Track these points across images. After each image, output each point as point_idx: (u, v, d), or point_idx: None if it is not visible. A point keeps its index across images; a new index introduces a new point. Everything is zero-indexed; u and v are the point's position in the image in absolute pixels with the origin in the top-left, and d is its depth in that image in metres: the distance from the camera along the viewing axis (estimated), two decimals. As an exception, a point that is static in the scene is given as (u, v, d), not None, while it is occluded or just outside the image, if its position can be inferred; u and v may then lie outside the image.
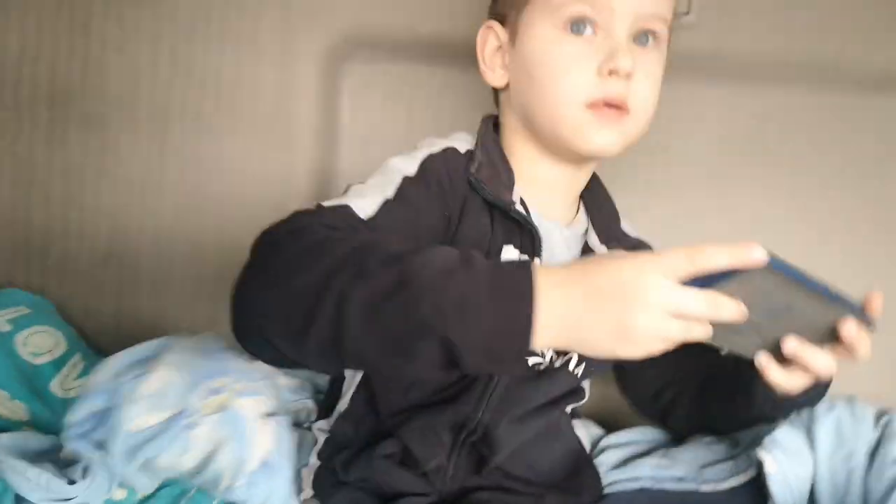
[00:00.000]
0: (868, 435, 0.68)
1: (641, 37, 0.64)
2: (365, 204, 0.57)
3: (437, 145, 0.67)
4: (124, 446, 0.61)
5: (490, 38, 0.71)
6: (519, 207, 0.66)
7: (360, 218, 0.56)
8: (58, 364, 0.84)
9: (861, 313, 0.54)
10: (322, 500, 0.68)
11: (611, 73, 0.62)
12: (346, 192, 0.62)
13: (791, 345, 0.55)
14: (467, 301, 0.46)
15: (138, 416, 0.61)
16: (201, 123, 0.99)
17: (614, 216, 0.78)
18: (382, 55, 0.98)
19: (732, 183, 0.96)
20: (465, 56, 0.97)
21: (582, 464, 0.73)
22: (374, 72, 0.99)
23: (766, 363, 0.57)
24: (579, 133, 0.64)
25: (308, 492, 0.69)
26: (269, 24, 0.97)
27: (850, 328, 0.54)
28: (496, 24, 0.70)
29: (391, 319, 0.46)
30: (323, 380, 0.87)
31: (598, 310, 0.47)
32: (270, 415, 0.70)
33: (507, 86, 0.70)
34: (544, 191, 0.71)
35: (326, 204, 0.58)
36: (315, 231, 0.52)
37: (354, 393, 0.70)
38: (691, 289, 0.48)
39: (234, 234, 0.99)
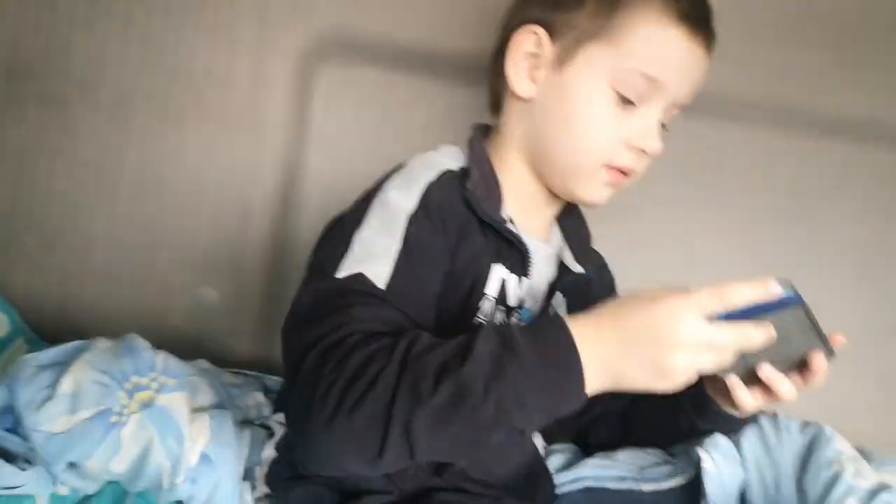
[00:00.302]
0: (794, 443, 0.71)
1: (666, 116, 0.67)
2: (379, 270, 0.56)
3: (431, 169, 0.64)
4: (47, 448, 0.59)
5: (528, 43, 0.67)
6: (510, 226, 0.67)
7: (379, 289, 0.55)
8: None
9: (829, 346, 0.58)
10: (278, 494, 0.66)
11: (637, 149, 0.65)
12: (345, 236, 0.59)
13: (767, 372, 0.59)
14: (525, 393, 0.49)
15: (57, 417, 0.59)
16: (167, 111, 0.97)
17: (587, 235, 0.80)
18: (359, 59, 0.98)
19: (688, 211, 1.00)
20: (441, 67, 0.99)
21: (539, 470, 0.74)
22: (350, 75, 0.99)
23: (736, 384, 0.60)
24: (587, 183, 0.68)
25: (263, 488, 0.68)
26: (247, 17, 0.97)
27: (821, 360, 0.59)
28: (543, 34, 0.66)
29: (458, 428, 0.49)
30: (271, 380, 0.86)
31: (636, 354, 0.51)
32: (205, 409, 0.69)
33: (531, 100, 0.68)
34: (528, 207, 0.71)
35: (341, 275, 0.56)
36: (353, 348, 0.51)
37: None
38: (722, 324, 0.52)
39: (191, 225, 0.97)
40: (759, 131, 1.00)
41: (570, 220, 0.78)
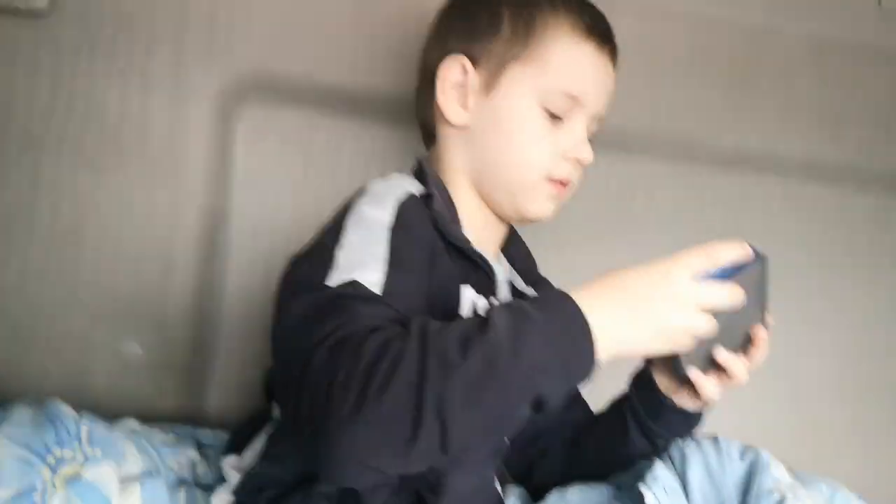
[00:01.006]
0: (735, 470, 0.74)
1: (589, 128, 0.73)
2: (371, 276, 0.55)
3: (397, 189, 0.65)
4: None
5: (455, 73, 0.71)
6: (474, 247, 0.69)
7: (374, 293, 0.54)
8: None
9: (765, 318, 0.65)
10: None
11: (572, 159, 0.70)
12: (324, 252, 0.57)
13: (724, 355, 0.64)
14: (546, 358, 0.50)
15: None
16: (80, 157, 0.93)
17: (532, 260, 0.83)
18: (280, 100, 0.98)
19: (605, 243, 1.05)
20: (362, 107, 1.00)
21: None
22: (271, 116, 0.98)
23: (698, 376, 0.64)
24: (533, 198, 0.71)
25: None
26: (162, 60, 0.94)
27: (763, 333, 0.65)
28: (467, 63, 0.70)
29: (492, 396, 0.48)
30: (204, 434, 0.84)
31: (638, 317, 0.54)
32: (135, 477, 0.67)
33: (465, 126, 0.71)
34: (481, 231, 0.73)
35: (333, 284, 0.54)
36: (366, 337, 0.48)
37: (276, 433, 0.67)
38: (713, 282, 0.56)
39: (110, 276, 0.94)
40: (666, 165, 1.07)
41: (514, 246, 0.81)
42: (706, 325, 0.56)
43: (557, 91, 0.68)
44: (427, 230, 0.65)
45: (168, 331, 0.93)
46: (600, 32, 0.71)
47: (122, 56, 0.93)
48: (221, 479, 0.69)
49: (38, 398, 0.70)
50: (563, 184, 0.71)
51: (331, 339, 0.49)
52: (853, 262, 1.10)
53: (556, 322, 0.51)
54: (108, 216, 0.93)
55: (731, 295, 0.57)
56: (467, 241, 0.68)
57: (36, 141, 0.91)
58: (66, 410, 0.66)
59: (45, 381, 0.88)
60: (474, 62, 0.70)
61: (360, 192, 0.65)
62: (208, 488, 0.73)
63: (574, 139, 0.70)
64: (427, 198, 0.67)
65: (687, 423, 0.73)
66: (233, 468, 0.69)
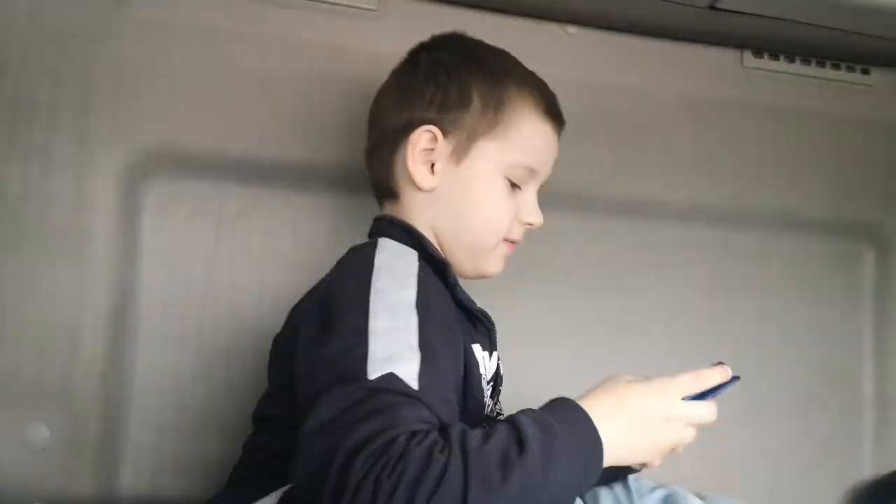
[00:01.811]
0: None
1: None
2: (407, 369, 0.56)
3: (407, 260, 0.68)
4: None
5: (424, 141, 0.75)
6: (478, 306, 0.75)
7: (412, 389, 0.55)
8: None
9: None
10: None
11: (526, 223, 0.79)
12: (355, 335, 0.58)
13: None
14: (572, 481, 0.54)
15: None
16: (-22, 239, 0.91)
17: None
18: (188, 172, 0.99)
19: (516, 289, 1.08)
20: (273, 176, 1.02)
21: None
22: (180, 189, 0.99)
23: None
24: (491, 257, 0.79)
25: None
26: (64, 139, 0.94)
27: None
28: (438, 133, 0.75)
29: None
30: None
31: (638, 433, 0.60)
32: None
33: (433, 190, 0.76)
34: None
35: (372, 377, 0.54)
36: (408, 448, 0.49)
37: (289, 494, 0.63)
38: (701, 403, 0.63)
39: (13, 358, 0.91)
40: (565, 215, 1.13)
41: None
42: (691, 437, 0.63)
43: (521, 165, 0.76)
44: (445, 300, 0.69)
45: (76, 410, 0.91)
46: (556, 112, 0.80)
47: (21, 137, 0.93)
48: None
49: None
50: (514, 243, 0.80)
51: (371, 447, 0.49)
52: (739, 293, 1.19)
53: (578, 441, 0.56)
54: (9, 296, 0.91)
55: (711, 413, 0.63)
56: (473, 302, 0.74)
57: (-70, 225, 0.89)
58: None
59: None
60: (444, 132, 0.75)
61: (364, 264, 0.65)
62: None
63: (529, 205, 0.79)
64: (441, 265, 0.72)
65: (611, 474, 0.75)
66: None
